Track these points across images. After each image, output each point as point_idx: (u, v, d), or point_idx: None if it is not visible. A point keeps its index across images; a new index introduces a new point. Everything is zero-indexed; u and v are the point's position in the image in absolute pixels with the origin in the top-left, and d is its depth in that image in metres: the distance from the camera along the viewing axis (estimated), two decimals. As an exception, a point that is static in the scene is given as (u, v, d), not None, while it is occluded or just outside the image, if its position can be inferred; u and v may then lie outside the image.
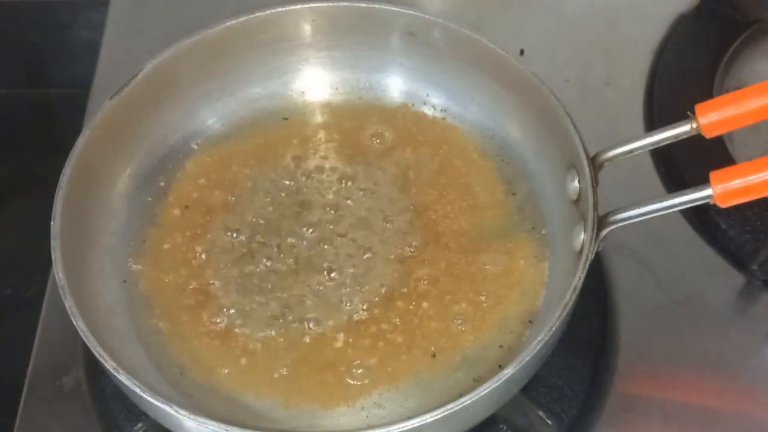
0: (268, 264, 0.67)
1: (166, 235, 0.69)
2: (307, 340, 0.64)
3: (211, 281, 0.67)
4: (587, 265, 0.58)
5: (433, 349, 0.64)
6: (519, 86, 0.69)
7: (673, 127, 0.61)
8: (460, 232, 0.69)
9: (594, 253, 0.59)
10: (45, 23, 0.93)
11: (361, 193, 0.71)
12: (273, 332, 0.64)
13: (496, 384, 0.54)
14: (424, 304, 0.65)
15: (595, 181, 0.61)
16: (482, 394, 0.54)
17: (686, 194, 0.59)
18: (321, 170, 0.72)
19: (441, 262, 0.67)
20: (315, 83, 0.75)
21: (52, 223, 0.61)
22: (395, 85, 0.75)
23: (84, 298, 0.60)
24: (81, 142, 0.65)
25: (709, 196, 0.58)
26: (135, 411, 0.65)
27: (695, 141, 0.61)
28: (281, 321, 0.65)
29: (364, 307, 0.65)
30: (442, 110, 0.74)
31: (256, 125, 0.74)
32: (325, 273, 0.67)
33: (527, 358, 0.55)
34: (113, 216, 0.68)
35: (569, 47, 0.85)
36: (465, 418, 0.57)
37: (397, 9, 0.71)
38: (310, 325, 0.65)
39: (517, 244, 0.68)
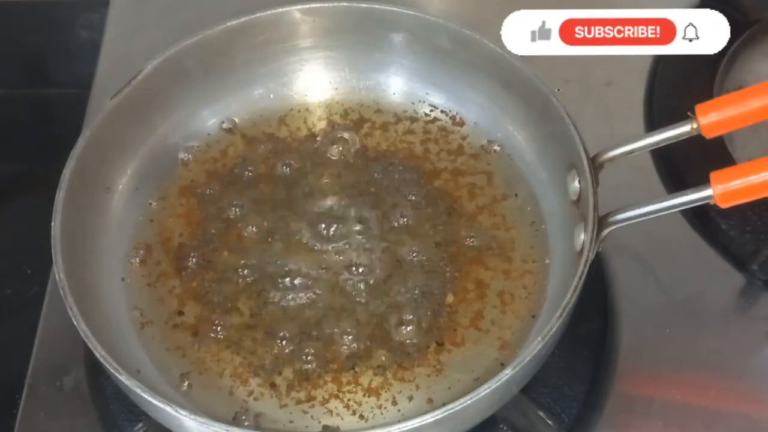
0: (269, 264, 0.67)
1: (166, 235, 0.69)
2: (308, 342, 0.64)
3: (211, 282, 0.67)
4: (587, 265, 0.58)
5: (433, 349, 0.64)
6: (519, 86, 0.69)
7: (673, 128, 0.61)
8: (459, 232, 0.69)
9: (594, 253, 0.59)
10: (45, 23, 0.93)
11: (361, 193, 0.71)
12: (273, 333, 0.64)
13: (497, 384, 0.54)
14: (425, 305, 0.65)
15: (595, 182, 0.61)
16: (482, 394, 0.54)
17: (686, 195, 0.59)
18: (321, 170, 0.72)
19: (440, 262, 0.67)
20: (315, 83, 0.75)
21: (52, 223, 0.61)
22: (395, 85, 0.75)
23: (84, 298, 0.60)
24: (81, 142, 0.65)
25: (709, 197, 0.58)
26: (135, 411, 0.65)
27: (695, 141, 0.61)
28: (282, 322, 0.65)
29: (364, 309, 0.65)
30: (442, 110, 0.74)
31: (256, 125, 0.74)
32: (325, 274, 0.67)
33: (527, 359, 0.55)
34: (113, 216, 0.68)
35: (569, 47, 0.85)
36: (465, 418, 0.57)
37: (397, 9, 0.71)
38: (311, 327, 0.65)
39: (518, 244, 0.68)
